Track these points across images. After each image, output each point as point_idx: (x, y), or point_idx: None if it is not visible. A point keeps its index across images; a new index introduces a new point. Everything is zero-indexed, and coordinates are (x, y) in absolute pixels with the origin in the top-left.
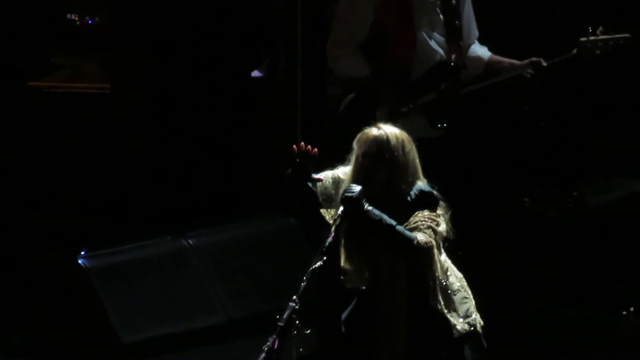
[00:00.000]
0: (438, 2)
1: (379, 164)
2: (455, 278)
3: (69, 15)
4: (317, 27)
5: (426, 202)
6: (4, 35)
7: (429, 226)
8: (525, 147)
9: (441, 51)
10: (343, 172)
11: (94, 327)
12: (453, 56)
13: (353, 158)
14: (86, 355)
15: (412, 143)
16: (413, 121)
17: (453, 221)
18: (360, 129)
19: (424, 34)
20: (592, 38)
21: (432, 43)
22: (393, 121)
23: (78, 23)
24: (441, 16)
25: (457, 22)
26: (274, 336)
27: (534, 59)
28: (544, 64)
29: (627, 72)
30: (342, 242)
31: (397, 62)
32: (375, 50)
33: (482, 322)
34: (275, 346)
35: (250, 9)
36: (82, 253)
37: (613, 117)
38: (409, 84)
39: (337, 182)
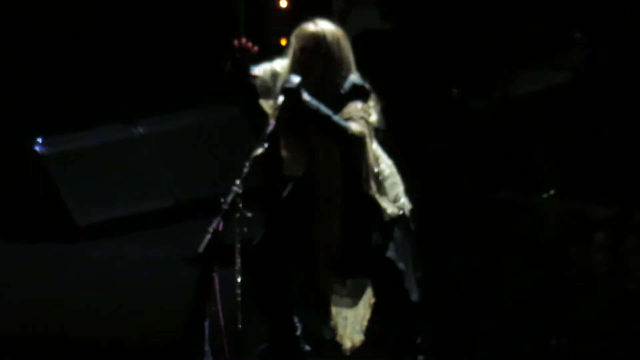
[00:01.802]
0: None
1: (316, 58)
2: (386, 165)
3: None
4: None
5: (359, 94)
6: None
7: (361, 117)
8: (455, 45)
9: None
10: (281, 65)
11: (50, 210)
12: None
13: (291, 52)
14: (43, 238)
15: (346, 39)
16: (365, 12)
17: (384, 111)
18: (316, 17)
19: None
20: None
21: None
22: (348, 12)
23: None
24: None
25: None
26: (219, 218)
27: None
28: None
29: None
30: (282, 131)
31: None
32: None
33: (410, 206)
34: (220, 228)
35: None
36: (39, 140)
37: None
38: None
39: (275, 75)
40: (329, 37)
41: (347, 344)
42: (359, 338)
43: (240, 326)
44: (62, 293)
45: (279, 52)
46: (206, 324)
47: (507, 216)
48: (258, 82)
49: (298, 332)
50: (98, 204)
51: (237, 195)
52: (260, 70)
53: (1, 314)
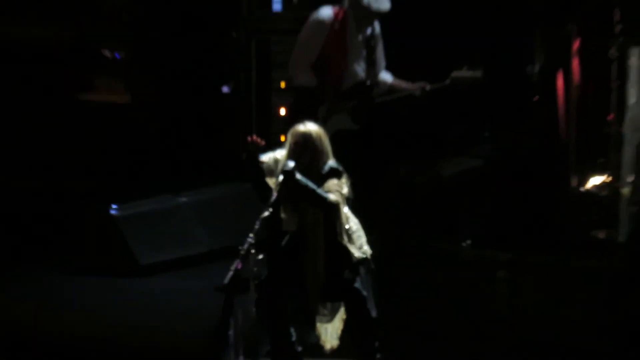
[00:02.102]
0: (363, 42)
1: (305, 150)
2: (354, 223)
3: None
4: (265, 62)
5: (335, 174)
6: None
7: (337, 190)
8: (403, 140)
9: (362, 74)
10: (280, 154)
11: (121, 255)
12: (368, 80)
13: (287, 145)
14: (116, 275)
15: (326, 136)
16: (341, 118)
17: (353, 186)
18: (306, 120)
19: (353, 62)
20: (458, 75)
21: (357, 69)
22: (329, 117)
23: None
24: (364, 51)
25: (373, 56)
26: (238, 260)
27: (421, 83)
28: (428, 87)
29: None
30: (282, 199)
31: (334, 79)
32: (321, 69)
33: (371, 252)
34: (239, 267)
35: (223, 48)
36: (113, 206)
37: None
38: (341, 93)
39: (276, 161)
40: (314, 135)
41: (327, 347)
42: (335, 343)
43: (254, 333)
44: (129, 315)
45: (279, 145)
46: (230, 333)
47: (439, 260)
48: (265, 166)
49: (293, 339)
50: (154, 250)
51: (250, 244)
52: (266, 157)
53: (87, 333)
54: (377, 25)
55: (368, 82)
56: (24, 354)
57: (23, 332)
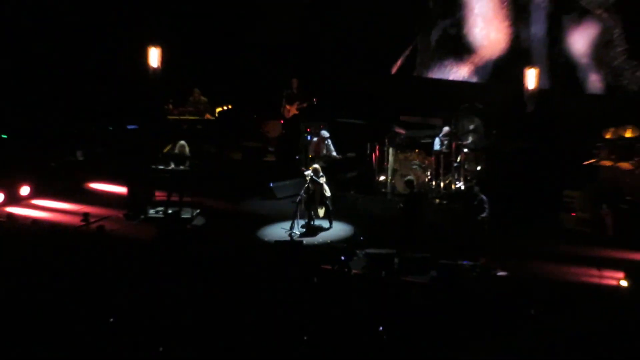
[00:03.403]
0: (325, 143)
1: (317, 173)
2: (327, 188)
3: None
4: None
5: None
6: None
7: (323, 180)
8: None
9: (327, 152)
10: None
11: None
12: (331, 154)
13: (309, 172)
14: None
15: (321, 169)
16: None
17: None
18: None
19: (324, 149)
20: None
21: (328, 150)
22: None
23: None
24: (326, 145)
25: (329, 147)
26: (301, 194)
27: (340, 155)
28: (339, 157)
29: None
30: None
31: (319, 152)
32: (315, 149)
33: (329, 194)
34: (300, 196)
35: None
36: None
37: None
38: (319, 155)
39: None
40: (319, 168)
41: (320, 215)
42: (321, 214)
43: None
44: None
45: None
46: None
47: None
48: (306, 172)
49: (313, 214)
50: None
51: (302, 194)
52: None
53: None
54: (328, 139)
55: (332, 154)
56: None
57: None
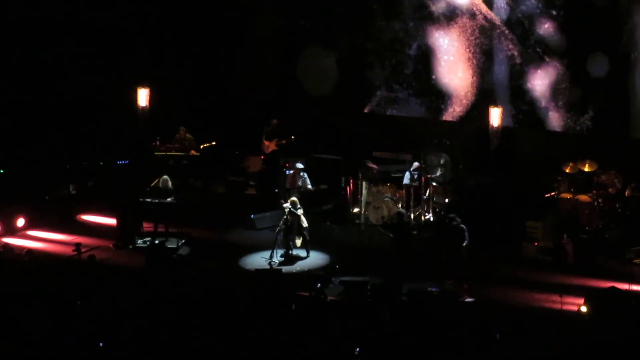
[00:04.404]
0: (301, 176)
1: (295, 205)
2: (304, 219)
3: None
4: None
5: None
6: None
7: (304, 220)
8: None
9: (302, 184)
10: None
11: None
12: (307, 186)
13: (287, 204)
14: None
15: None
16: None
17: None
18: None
19: (299, 181)
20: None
21: (304, 183)
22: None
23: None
24: (302, 178)
25: (305, 180)
26: (280, 226)
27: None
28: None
29: None
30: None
31: (294, 184)
32: (291, 181)
33: (306, 224)
34: (279, 227)
35: None
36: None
37: None
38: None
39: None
40: (297, 202)
41: (297, 244)
42: (299, 244)
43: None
44: None
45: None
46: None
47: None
48: (284, 205)
49: (291, 243)
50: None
51: (281, 224)
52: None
53: None
54: (303, 171)
55: (307, 186)
56: None
57: None
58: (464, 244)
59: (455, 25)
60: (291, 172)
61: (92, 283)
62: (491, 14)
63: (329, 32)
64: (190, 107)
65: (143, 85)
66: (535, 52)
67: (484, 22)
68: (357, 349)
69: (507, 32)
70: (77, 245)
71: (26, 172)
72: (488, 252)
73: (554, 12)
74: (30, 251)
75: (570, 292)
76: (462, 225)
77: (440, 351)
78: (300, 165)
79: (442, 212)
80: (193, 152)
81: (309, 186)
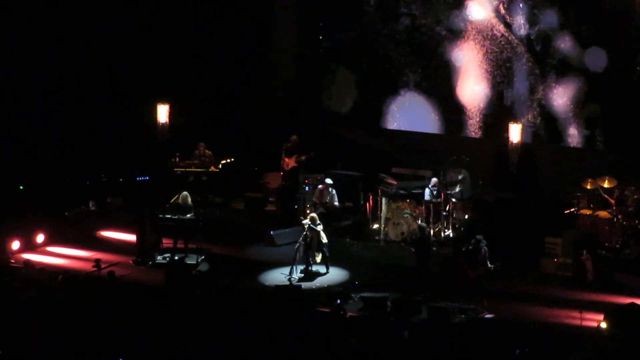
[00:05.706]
0: (330, 192)
1: (314, 222)
2: (324, 235)
3: None
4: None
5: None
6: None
7: (323, 236)
8: None
9: (330, 200)
10: (305, 222)
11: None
12: (334, 202)
13: (306, 220)
14: None
15: (318, 218)
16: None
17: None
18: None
19: (327, 197)
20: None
21: (332, 198)
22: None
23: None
24: (330, 194)
25: (333, 196)
26: (299, 242)
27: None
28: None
29: None
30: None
31: (323, 199)
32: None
33: (326, 240)
34: (300, 242)
35: None
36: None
37: None
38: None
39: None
40: (316, 216)
41: (317, 260)
42: (318, 260)
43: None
44: None
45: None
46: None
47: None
48: (304, 221)
49: (311, 260)
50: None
51: (301, 240)
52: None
53: None
54: (332, 187)
55: (334, 203)
56: None
57: None
58: (490, 266)
59: (475, 41)
60: (320, 186)
61: (112, 299)
62: (510, 31)
63: (348, 51)
64: (209, 123)
65: (163, 102)
66: (555, 68)
67: (503, 38)
68: None
69: (526, 48)
70: (97, 261)
71: (46, 188)
72: (507, 268)
73: (573, 28)
74: (27, 262)
75: (589, 308)
76: (486, 247)
77: None
78: (329, 181)
79: (462, 229)
80: (212, 168)
81: (336, 203)
